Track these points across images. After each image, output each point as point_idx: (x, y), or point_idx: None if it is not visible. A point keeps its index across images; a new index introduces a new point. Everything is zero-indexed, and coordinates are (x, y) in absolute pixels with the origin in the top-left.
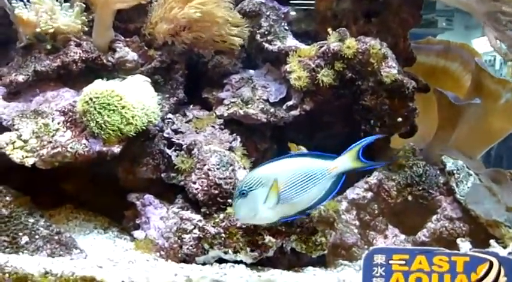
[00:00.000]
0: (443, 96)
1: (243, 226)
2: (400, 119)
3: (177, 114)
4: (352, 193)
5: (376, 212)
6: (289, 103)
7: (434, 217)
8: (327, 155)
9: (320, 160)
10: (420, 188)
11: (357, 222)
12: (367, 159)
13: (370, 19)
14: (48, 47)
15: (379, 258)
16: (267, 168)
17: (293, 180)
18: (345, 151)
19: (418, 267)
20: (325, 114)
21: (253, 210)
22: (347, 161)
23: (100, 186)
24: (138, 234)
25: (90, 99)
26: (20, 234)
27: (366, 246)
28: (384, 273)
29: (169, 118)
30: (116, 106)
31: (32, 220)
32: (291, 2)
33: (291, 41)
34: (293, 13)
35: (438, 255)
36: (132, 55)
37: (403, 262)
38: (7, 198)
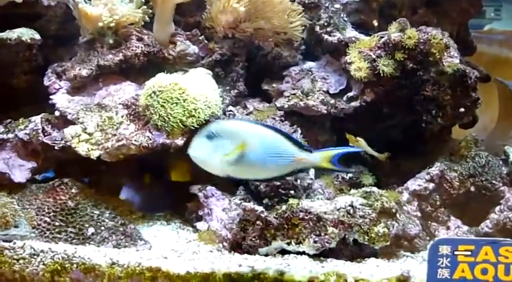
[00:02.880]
0: (504, 86)
1: (306, 217)
2: (462, 110)
3: (238, 107)
4: (413, 184)
5: (438, 203)
6: (350, 94)
7: (497, 208)
8: (302, 145)
9: (292, 146)
10: (483, 179)
11: (419, 213)
12: (340, 164)
13: (429, 8)
14: (110, 41)
15: (445, 249)
16: (244, 125)
17: (258, 150)
18: (321, 150)
19: (484, 258)
20: (386, 105)
21: (209, 155)
22: (318, 159)
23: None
24: (200, 225)
25: (154, 92)
26: (86, 225)
27: (428, 238)
28: (449, 264)
29: (231, 110)
30: (178, 99)
31: (97, 212)
32: None
33: (350, 32)
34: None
35: (504, 246)
36: (192, 48)
37: (469, 253)
38: (73, 190)
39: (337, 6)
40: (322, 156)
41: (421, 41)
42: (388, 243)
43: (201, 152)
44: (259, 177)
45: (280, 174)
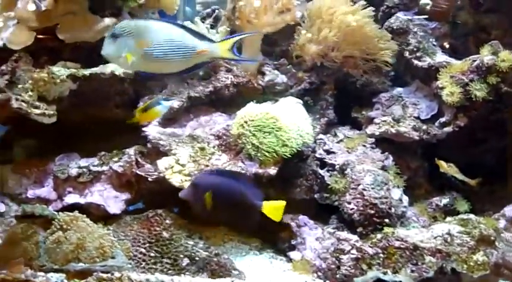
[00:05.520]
0: None
1: (402, 246)
2: None
3: (328, 135)
4: (511, 210)
5: None
6: (442, 119)
7: None
8: (207, 38)
9: (196, 39)
10: None
11: None
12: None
13: None
14: (201, 73)
15: None
16: (145, 23)
17: (161, 44)
18: (221, 39)
19: None
20: (479, 129)
21: (118, 53)
22: (218, 49)
23: None
24: (294, 255)
25: (245, 122)
26: (181, 256)
27: None
28: None
29: (321, 139)
30: (271, 128)
31: (191, 242)
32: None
33: (440, 57)
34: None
35: None
36: (281, 78)
37: None
38: (167, 221)
39: (426, 30)
40: (221, 47)
41: None
42: (487, 272)
43: (109, 50)
44: (166, 71)
45: (185, 68)
